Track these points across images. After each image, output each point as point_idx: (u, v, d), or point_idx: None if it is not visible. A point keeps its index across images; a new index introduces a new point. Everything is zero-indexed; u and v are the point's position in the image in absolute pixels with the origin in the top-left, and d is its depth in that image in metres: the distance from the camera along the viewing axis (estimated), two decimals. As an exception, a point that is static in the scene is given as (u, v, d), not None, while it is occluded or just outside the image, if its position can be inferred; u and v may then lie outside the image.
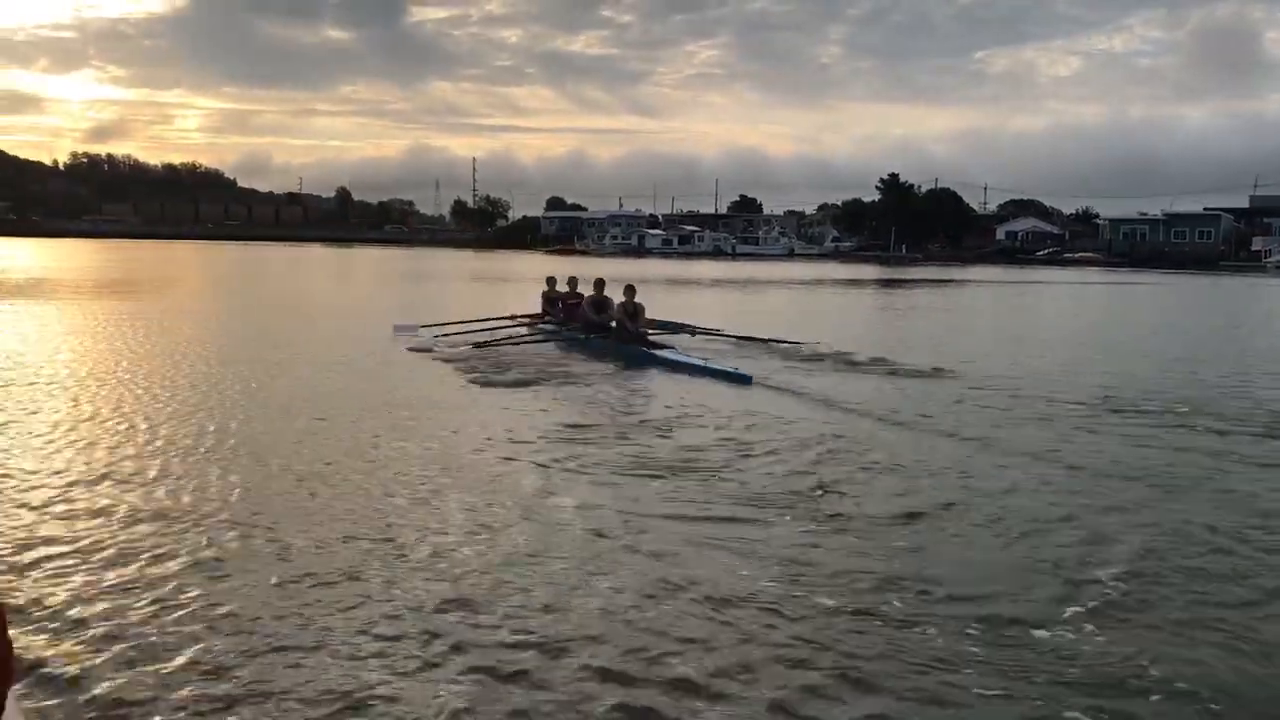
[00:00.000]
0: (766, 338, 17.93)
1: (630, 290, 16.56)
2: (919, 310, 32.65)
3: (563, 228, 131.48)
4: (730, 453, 8.95)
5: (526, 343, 16.76)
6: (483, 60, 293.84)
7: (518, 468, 8.31)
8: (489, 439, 9.35)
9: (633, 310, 16.50)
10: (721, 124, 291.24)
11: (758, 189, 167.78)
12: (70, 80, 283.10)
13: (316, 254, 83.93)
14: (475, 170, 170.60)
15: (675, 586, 5.57)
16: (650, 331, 16.77)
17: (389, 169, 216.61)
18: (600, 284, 17.38)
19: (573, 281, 19.14)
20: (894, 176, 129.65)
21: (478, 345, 16.16)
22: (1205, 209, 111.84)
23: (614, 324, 16.54)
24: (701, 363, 14.45)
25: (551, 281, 19.59)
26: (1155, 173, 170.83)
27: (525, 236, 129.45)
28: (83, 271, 44.32)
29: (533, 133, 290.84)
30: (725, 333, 18.24)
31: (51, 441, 8.95)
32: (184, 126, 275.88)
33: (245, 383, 12.58)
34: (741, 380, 13.08)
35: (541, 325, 18.47)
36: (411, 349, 16.15)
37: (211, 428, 9.62)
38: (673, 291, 39.86)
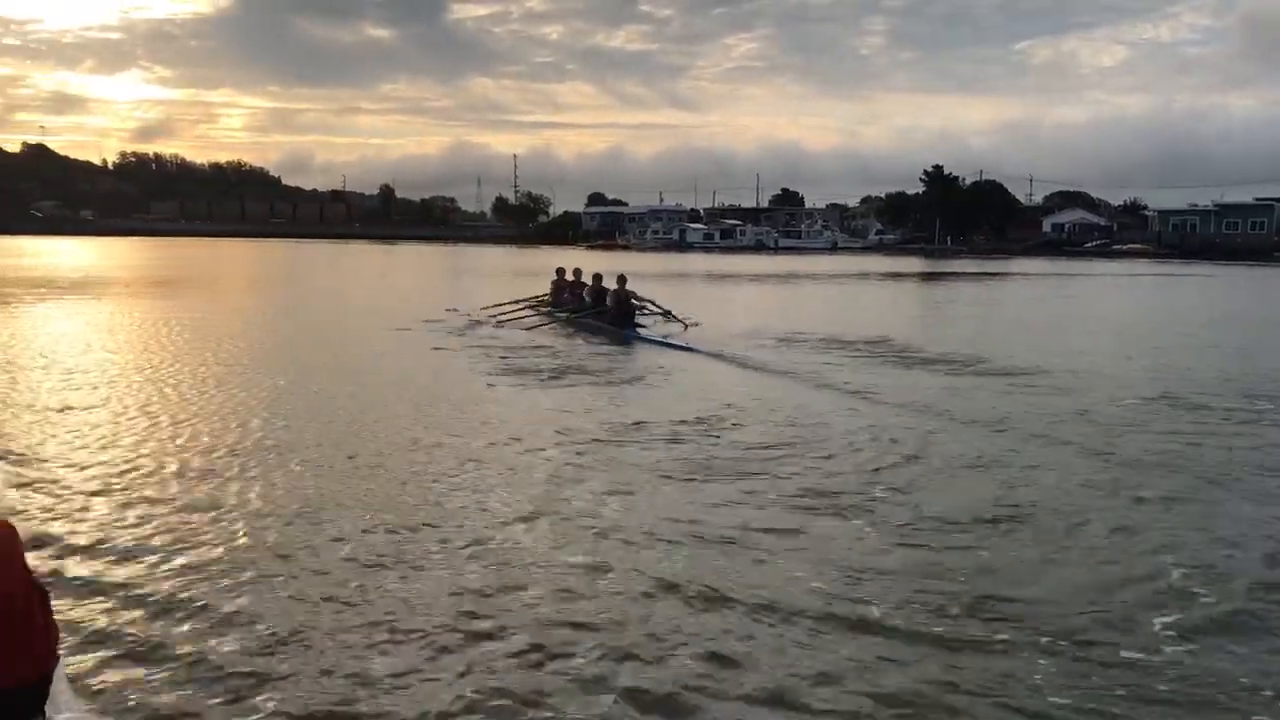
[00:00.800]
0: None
1: (621, 280, 19.83)
2: (966, 303, 32.17)
3: (604, 223, 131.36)
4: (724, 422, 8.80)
5: (538, 317, 20.89)
6: (523, 57, 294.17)
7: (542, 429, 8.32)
8: (527, 414, 9.31)
9: (625, 297, 19.64)
10: (761, 117, 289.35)
11: (797, 182, 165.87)
12: (118, 81, 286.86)
13: (361, 251, 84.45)
14: (516, 167, 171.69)
15: (713, 587, 5.41)
16: (639, 313, 19.88)
17: (430, 166, 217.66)
18: (598, 278, 21.03)
19: (577, 273, 22.23)
20: (938, 168, 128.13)
21: (503, 320, 20.60)
22: (1257, 199, 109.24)
23: (609, 305, 19.70)
24: (662, 339, 17.96)
25: (560, 272, 22.69)
26: (1204, 163, 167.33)
27: (567, 232, 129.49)
28: (135, 270, 44.80)
29: (572, 129, 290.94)
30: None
31: (104, 433, 9.02)
32: (229, 125, 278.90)
33: (305, 372, 12.70)
34: (690, 350, 16.50)
35: (542, 308, 21.83)
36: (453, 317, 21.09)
37: (277, 421, 9.61)
38: (712, 287, 39.63)
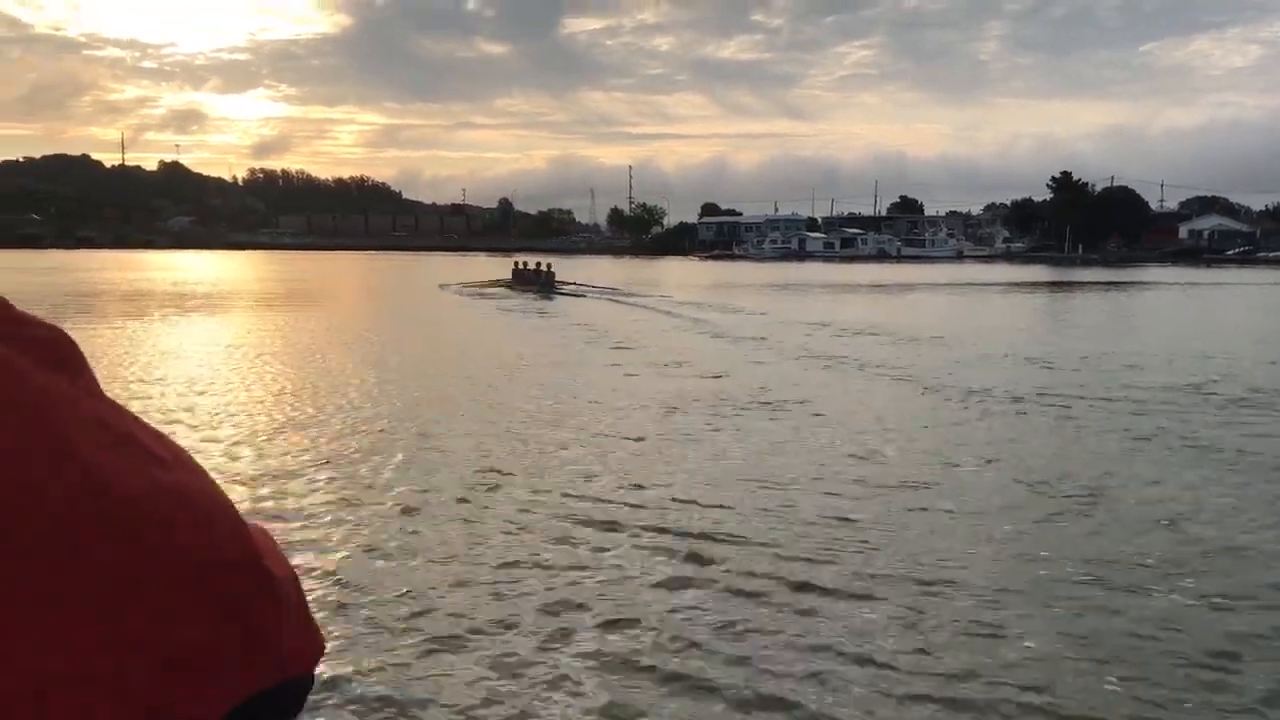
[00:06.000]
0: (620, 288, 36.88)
1: (549, 265, 37.77)
2: (1153, 315, 30.61)
3: (720, 233, 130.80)
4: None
5: (500, 288, 37.12)
6: (634, 69, 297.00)
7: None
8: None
9: (548, 276, 36.71)
10: (873, 124, 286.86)
11: (908, 189, 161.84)
12: (244, 99, 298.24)
13: (480, 262, 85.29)
14: (631, 178, 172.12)
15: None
16: (559, 286, 36.31)
17: (541, 179, 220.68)
18: (538, 264, 38.00)
19: (526, 264, 39.25)
20: (1066, 174, 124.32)
21: (478, 288, 37.41)
22: None
23: (543, 280, 36.78)
24: (561, 293, 34.78)
25: (518, 263, 39.82)
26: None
27: (682, 243, 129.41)
28: (289, 284, 45.87)
29: (681, 139, 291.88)
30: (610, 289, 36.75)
31: (269, 409, 8.87)
32: (346, 141, 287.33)
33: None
34: (574, 295, 34.04)
35: (506, 283, 38.55)
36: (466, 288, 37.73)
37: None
38: (831, 297, 38.64)
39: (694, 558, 6.35)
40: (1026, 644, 5.12)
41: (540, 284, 35.74)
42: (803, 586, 5.87)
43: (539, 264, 37.45)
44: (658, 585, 5.87)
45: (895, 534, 6.87)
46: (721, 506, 7.49)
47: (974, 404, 12.26)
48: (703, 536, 6.75)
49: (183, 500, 0.39)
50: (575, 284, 36.38)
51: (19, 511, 0.35)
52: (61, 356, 0.41)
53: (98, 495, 0.36)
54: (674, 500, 7.65)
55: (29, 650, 0.35)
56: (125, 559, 0.36)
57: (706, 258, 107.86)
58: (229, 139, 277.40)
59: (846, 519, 7.21)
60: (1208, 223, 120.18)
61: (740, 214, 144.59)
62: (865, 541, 6.67)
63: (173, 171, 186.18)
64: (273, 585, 0.42)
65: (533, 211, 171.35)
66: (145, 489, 0.38)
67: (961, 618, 5.41)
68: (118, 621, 0.36)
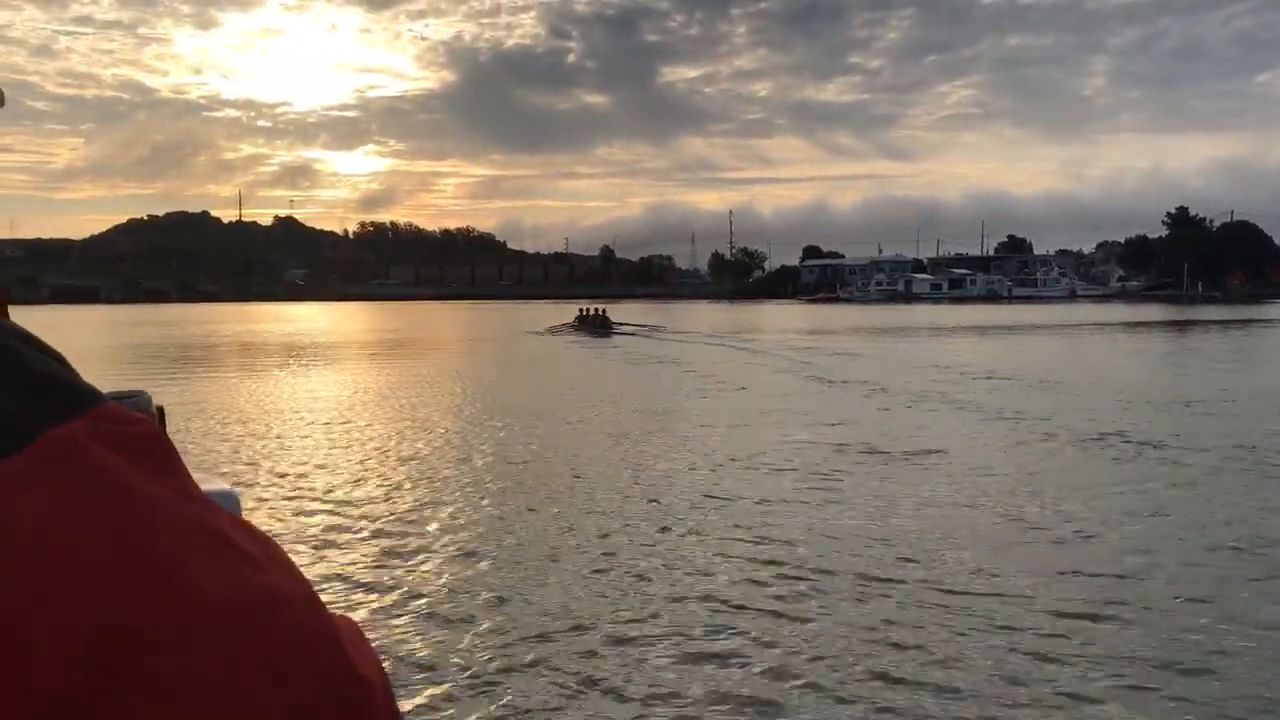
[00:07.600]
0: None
1: (604, 311, 44.43)
2: None
3: (822, 276, 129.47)
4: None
5: (571, 330, 42.60)
6: (733, 115, 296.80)
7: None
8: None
9: (604, 319, 43.15)
10: (976, 164, 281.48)
11: (1013, 228, 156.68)
12: (354, 155, 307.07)
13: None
14: (732, 223, 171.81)
15: None
16: (615, 327, 42.03)
17: (640, 225, 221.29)
18: (598, 310, 44.59)
19: (588, 309, 44.99)
20: (1182, 210, 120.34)
21: (556, 330, 42.85)
22: None
23: (600, 324, 43.15)
24: (615, 332, 41.16)
25: (581, 309, 45.33)
26: None
27: (785, 286, 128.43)
28: (414, 333, 46.84)
29: (780, 183, 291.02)
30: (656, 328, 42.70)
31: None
32: (450, 193, 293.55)
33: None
34: (628, 334, 40.74)
35: (571, 326, 43.75)
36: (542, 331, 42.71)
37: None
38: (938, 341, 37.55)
39: (816, 631, 5.90)
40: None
41: (598, 325, 42.56)
42: (943, 663, 5.36)
43: (596, 309, 44.86)
44: (788, 647, 5.44)
45: (1042, 597, 6.30)
46: (846, 569, 7.01)
47: (1115, 452, 11.49)
48: (827, 609, 6.28)
49: (270, 602, 0.41)
50: (631, 324, 43.11)
51: (120, 624, 0.36)
52: (159, 456, 0.43)
53: (192, 603, 0.38)
54: (798, 567, 7.20)
55: None
56: (215, 669, 0.38)
57: (810, 301, 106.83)
58: (339, 193, 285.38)
59: (986, 589, 6.64)
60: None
61: (843, 256, 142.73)
62: (1012, 606, 6.12)
63: (287, 226, 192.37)
64: (358, 687, 0.43)
65: (633, 258, 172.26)
66: (236, 594, 0.40)
67: (1124, 695, 4.86)
68: None
